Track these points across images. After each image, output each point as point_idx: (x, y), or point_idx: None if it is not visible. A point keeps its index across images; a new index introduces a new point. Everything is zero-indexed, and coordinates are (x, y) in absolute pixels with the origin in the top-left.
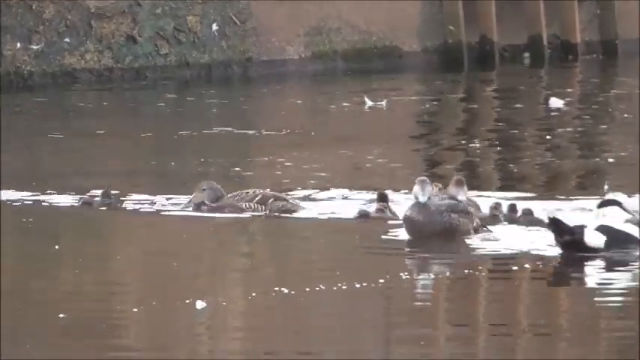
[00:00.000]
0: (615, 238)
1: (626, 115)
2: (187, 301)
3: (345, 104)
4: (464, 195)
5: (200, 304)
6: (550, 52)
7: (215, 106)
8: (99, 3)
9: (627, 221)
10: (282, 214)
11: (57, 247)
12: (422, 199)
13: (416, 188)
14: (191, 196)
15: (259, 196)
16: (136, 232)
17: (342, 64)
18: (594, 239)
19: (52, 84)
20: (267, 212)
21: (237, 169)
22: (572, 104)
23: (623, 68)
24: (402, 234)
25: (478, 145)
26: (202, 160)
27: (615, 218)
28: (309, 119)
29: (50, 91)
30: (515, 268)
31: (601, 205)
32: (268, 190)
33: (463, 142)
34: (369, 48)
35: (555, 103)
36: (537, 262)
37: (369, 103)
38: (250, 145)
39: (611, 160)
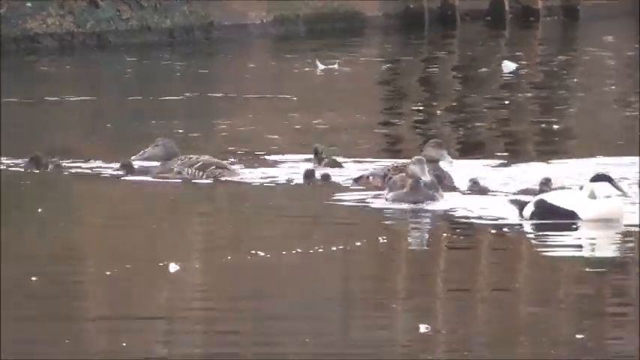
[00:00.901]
0: (542, 210)
1: (575, 80)
2: (161, 264)
3: (298, 68)
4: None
5: (173, 267)
6: (511, 16)
7: (172, 71)
8: None
9: (617, 196)
10: (227, 179)
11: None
12: (425, 178)
13: (416, 168)
14: (146, 150)
15: (200, 163)
16: (84, 196)
17: (304, 28)
18: (526, 211)
19: (15, 49)
20: (205, 178)
21: (182, 131)
22: (527, 67)
23: (582, 33)
24: (347, 199)
25: (422, 107)
26: (154, 122)
27: (603, 193)
28: (262, 83)
29: (12, 55)
30: (476, 236)
31: (593, 180)
32: (209, 157)
33: (414, 106)
34: (331, 12)
35: (508, 66)
36: (495, 230)
37: (320, 66)
38: (202, 108)
39: (555, 126)
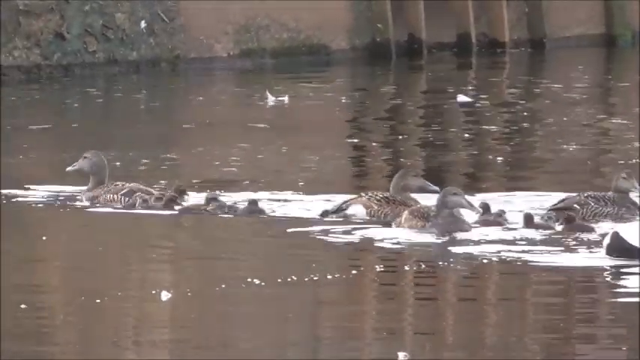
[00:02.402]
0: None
1: (525, 113)
2: (153, 292)
3: (249, 101)
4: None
5: (165, 295)
6: (478, 49)
7: (133, 103)
8: (27, 1)
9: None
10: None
11: None
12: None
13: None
14: (76, 163)
15: (126, 190)
16: (47, 225)
17: (271, 61)
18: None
19: None
20: (125, 204)
21: (134, 160)
22: (486, 99)
23: (547, 65)
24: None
25: (356, 141)
26: (107, 151)
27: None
28: (211, 114)
29: None
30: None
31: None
32: (136, 184)
33: (350, 139)
34: (298, 46)
35: (463, 98)
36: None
37: (271, 98)
38: (150, 139)
39: (499, 158)
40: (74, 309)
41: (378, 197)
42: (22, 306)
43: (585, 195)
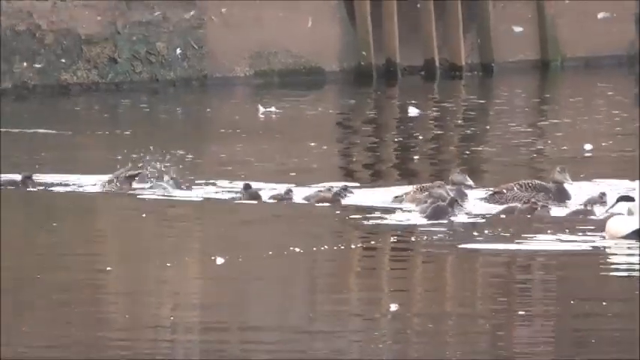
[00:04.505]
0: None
1: (460, 122)
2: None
3: (246, 110)
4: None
5: (220, 260)
6: (441, 71)
7: (171, 112)
8: (88, 31)
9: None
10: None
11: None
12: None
13: (440, 191)
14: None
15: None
16: (113, 207)
17: (278, 80)
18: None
19: (49, 94)
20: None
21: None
22: (434, 112)
23: (494, 85)
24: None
25: (325, 147)
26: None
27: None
28: (212, 121)
29: (48, 100)
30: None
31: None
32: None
33: (317, 144)
34: (299, 68)
35: (413, 111)
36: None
37: (261, 110)
38: (187, 139)
39: (415, 157)
40: (157, 270)
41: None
42: (108, 268)
43: (520, 183)
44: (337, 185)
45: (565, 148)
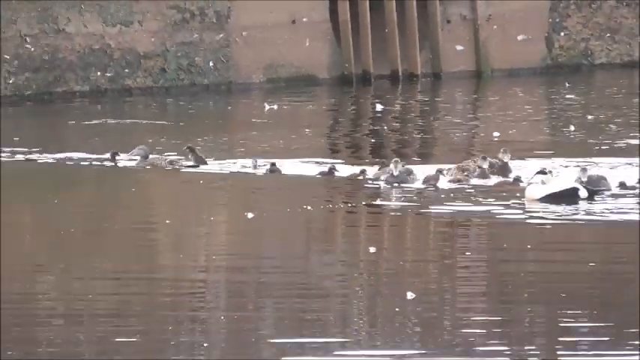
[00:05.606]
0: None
1: (414, 115)
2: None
3: (257, 107)
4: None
5: (267, 106)
6: (402, 78)
7: (206, 108)
8: (145, 49)
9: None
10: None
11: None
12: (395, 172)
13: (391, 166)
14: (134, 150)
15: (168, 159)
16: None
17: (284, 85)
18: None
19: (117, 96)
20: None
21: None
22: (390, 108)
23: (441, 89)
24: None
25: (315, 132)
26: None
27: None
28: (229, 112)
29: (116, 100)
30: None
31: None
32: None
33: (307, 131)
34: (299, 76)
35: (379, 107)
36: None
37: (267, 106)
38: (221, 127)
39: (381, 141)
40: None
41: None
42: (168, 219)
43: (474, 160)
44: (325, 161)
45: (482, 134)
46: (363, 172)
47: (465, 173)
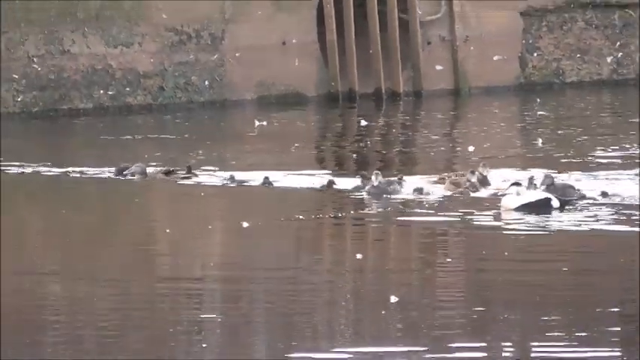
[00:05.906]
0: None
1: (396, 130)
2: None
3: (247, 124)
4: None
5: (258, 122)
6: (386, 96)
7: (203, 123)
8: (144, 69)
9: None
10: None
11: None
12: (375, 183)
13: (372, 177)
14: (132, 167)
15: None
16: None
17: (275, 102)
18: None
19: (118, 112)
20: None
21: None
22: (374, 124)
23: (423, 107)
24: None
25: (304, 146)
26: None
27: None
28: (222, 127)
29: (117, 116)
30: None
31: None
32: (164, 168)
33: (299, 144)
34: (289, 94)
35: (363, 123)
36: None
37: (257, 123)
38: (221, 140)
39: (365, 154)
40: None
41: None
42: (167, 230)
43: (457, 173)
44: (319, 173)
45: (459, 148)
46: (363, 180)
47: (460, 189)
